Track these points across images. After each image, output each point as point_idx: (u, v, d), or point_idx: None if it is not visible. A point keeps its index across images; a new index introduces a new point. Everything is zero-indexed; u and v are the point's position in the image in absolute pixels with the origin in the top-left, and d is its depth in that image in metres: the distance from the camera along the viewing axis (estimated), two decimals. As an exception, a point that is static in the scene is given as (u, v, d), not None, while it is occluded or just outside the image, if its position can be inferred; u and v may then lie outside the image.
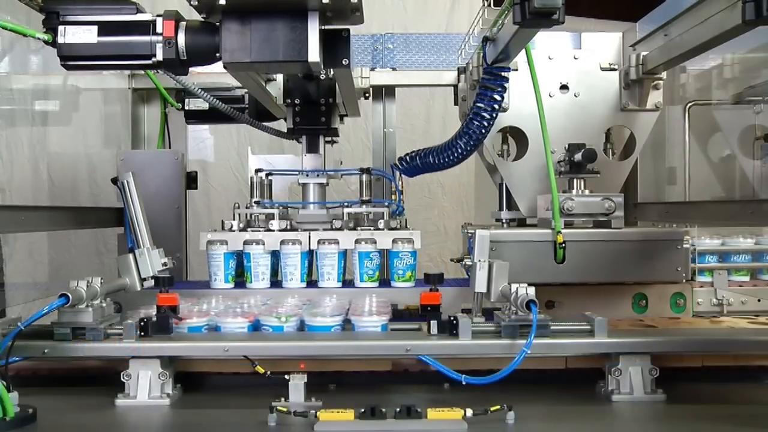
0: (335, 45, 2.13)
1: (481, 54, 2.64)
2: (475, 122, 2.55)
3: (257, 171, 2.86)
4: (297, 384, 1.93)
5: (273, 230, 2.67)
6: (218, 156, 4.71)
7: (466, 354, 2.08)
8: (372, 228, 2.71)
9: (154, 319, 2.11)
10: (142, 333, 2.09)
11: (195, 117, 3.29)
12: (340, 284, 2.64)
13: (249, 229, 2.70)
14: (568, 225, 2.58)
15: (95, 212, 3.19)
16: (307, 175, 2.85)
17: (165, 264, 2.44)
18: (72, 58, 2.10)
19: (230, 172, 4.65)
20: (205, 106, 3.13)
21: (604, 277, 2.57)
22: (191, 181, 3.39)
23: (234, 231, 2.69)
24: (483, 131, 2.56)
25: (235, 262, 2.68)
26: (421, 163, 2.93)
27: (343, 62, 2.15)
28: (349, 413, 1.78)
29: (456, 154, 2.69)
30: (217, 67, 2.13)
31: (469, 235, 2.65)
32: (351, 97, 2.87)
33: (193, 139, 4.38)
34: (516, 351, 1.95)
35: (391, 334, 2.20)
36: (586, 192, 2.65)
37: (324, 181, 2.86)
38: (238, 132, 4.64)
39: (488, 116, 2.53)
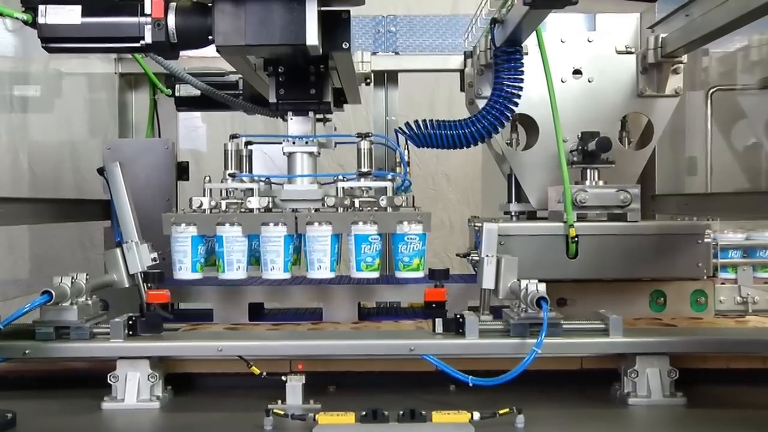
0: (335, 27, 2.13)
1: (489, 37, 2.65)
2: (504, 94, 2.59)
3: (232, 137, 2.50)
4: (294, 385, 1.94)
5: (251, 209, 2.34)
6: (211, 145, 4.71)
7: (473, 354, 2.09)
8: (372, 206, 2.39)
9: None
10: (131, 332, 2.11)
11: (186, 104, 3.29)
12: (333, 274, 2.37)
13: (222, 208, 2.38)
14: (580, 218, 2.58)
15: (80, 205, 3.20)
16: (294, 143, 2.48)
17: (155, 259, 2.44)
18: (54, 40, 2.10)
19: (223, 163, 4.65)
20: (197, 92, 3.13)
21: (619, 273, 2.57)
22: (182, 171, 3.39)
23: (204, 210, 2.37)
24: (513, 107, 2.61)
25: (204, 248, 2.38)
26: (433, 132, 2.73)
27: (343, 46, 2.15)
28: (350, 416, 1.79)
29: (483, 127, 2.67)
30: (210, 50, 2.13)
31: (476, 228, 2.66)
32: (351, 83, 2.86)
33: (185, 127, 4.37)
34: (526, 351, 1.96)
35: (394, 333, 2.21)
36: (600, 183, 2.65)
37: (314, 149, 2.48)
38: (232, 120, 4.64)
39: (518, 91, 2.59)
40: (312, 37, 1.99)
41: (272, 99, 2.47)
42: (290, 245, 2.33)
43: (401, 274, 2.34)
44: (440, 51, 3.39)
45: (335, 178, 2.45)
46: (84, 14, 2.07)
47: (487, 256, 2.22)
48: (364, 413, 1.80)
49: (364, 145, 2.48)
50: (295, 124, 2.50)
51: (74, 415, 2.01)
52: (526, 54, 2.68)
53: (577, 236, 2.50)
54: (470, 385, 1.97)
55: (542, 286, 2.04)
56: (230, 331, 2.34)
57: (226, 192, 2.43)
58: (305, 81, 2.45)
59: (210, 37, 2.04)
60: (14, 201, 2.68)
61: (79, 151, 4.07)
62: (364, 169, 2.46)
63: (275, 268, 2.31)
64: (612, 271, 2.56)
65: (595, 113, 2.81)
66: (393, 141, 2.88)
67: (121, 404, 2.03)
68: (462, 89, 3.15)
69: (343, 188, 2.40)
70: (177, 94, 3.25)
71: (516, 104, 2.64)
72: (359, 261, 2.33)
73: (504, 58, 2.60)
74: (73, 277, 2.14)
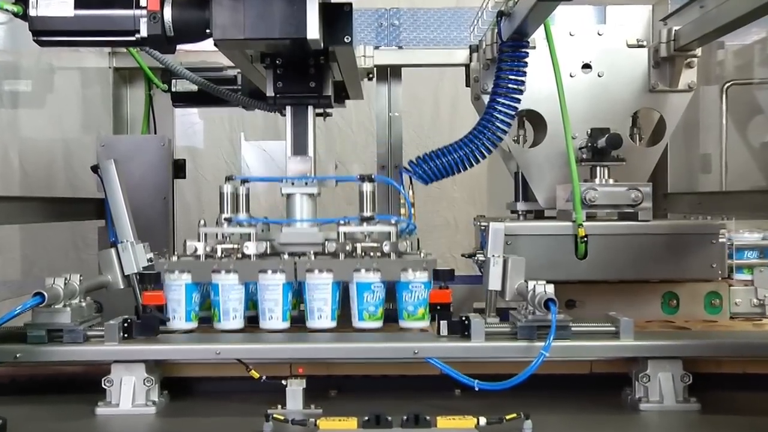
0: (336, 21, 2.14)
1: (496, 30, 2.65)
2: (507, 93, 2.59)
3: (228, 179, 2.44)
4: (295, 390, 1.94)
5: (249, 255, 2.29)
6: (209, 142, 4.71)
7: (479, 357, 2.10)
8: (375, 252, 2.31)
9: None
10: (126, 335, 2.11)
11: (183, 99, 3.30)
12: (334, 323, 2.27)
13: (218, 254, 2.30)
14: (590, 217, 2.58)
15: (73, 203, 3.21)
16: (293, 183, 2.46)
17: (150, 260, 2.45)
18: (46, 33, 2.10)
19: (222, 160, 4.65)
20: (194, 87, 3.14)
21: (630, 274, 2.58)
22: (179, 169, 3.40)
23: (199, 256, 2.30)
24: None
25: (199, 295, 2.31)
26: (440, 162, 2.69)
27: (345, 40, 2.15)
28: (352, 421, 1.79)
29: (496, 129, 2.65)
30: (208, 44, 2.14)
31: (482, 228, 2.66)
32: (353, 78, 2.86)
33: (181, 123, 4.39)
34: (533, 354, 1.96)
35: (397, 336, 2.21)
36: (611, 181, 2.66)
37: (314, 190, 2.45)
38: (230, 116, 4.65)
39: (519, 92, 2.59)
40: (313, 30, 1.99)
41: (270, 92, 2.44)
42: (289, 293, 2.28)
43: (405, 324, 2.27)
44: (445, 45, 3.40)
45: (337, 223, 2.38)
46: (77, 6, 2.07)
47: (493, 256, 2.23)
48: (366, 418, 1.80)
49: (367, 187, 2.43)
50: (294, 164, 2.48)
51: (67, 420, 2.01)
52: (534, 48, 2.69)
53: (586, 236, 2.51)
54: (476, 389, 1.98)
55: (550, 288, 2.05)
56: (229, 333, 2.34)
57: (222, 236, 2.38)
58: (304, 73, 2.41)
59: (208, 31, 2.05)
60: (4, 200, 2.69)
61: (71, 148, 4.08)
62: (367, 214, 2.41)
63: (273, 318, 2.25)
64: (622, 272, 2.57)
65: (605, 109, 2.81)
66: (395, 181, 2.81)
67: (115, 409, 2.03)
68: (467, 84, 3.17)
69: (344, 233, 2.35)
70: (173, 89, 3.26)
71: (518, 103, 2.62)
72: (361, 310, 2.27)
73: (507, 54, 2.58)
74: (66, 278, 2.14)
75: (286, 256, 2.34)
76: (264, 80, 2.58)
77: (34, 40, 2.12)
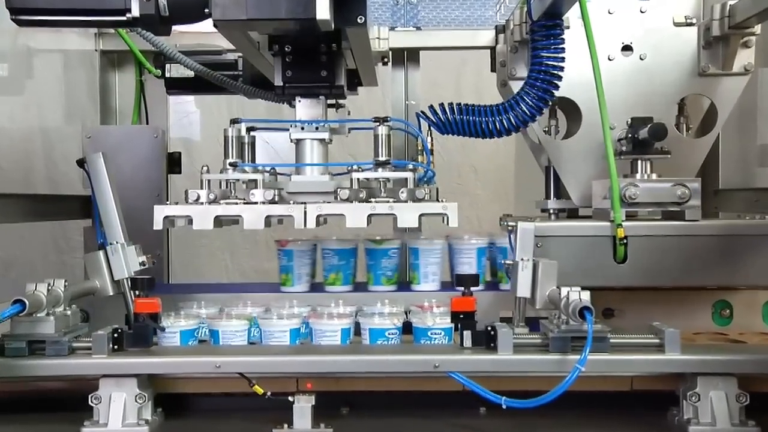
0: (348, -1, 2.15)
1: (525, 9, 2.66)
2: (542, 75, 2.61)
3: (233, 122, 2.55)
4: (303, 407, 1.96)
5: (255, 202, 2.37)
6: (206, 133, 4.75)
7: (507, 371, 2.11)
8: (391, 199, 2.41)
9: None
10: (116, 346, 2.13)
11: (178, 86, 3.31)
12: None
13: (223, 201, 2.40)
14: (630, 216, 2.59)
15: (54, 201, 3.23)
16: (303, 128, 2.52)
17: (143, 263, 2.48)
18: (25, 11, 2.10)
19: (220, 153, 4.65)
20: (190, 72, 3.15)
21: (676, 280, 2.57)
22: (174, 163, 3.43)
23: (202, 203, 2.38)
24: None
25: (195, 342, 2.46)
26: (461, 118, 2.76)
27: (358, 20, 2.16)
28: (365, 442, 1.82)
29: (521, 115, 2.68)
30: (206, 25, 2.15)
31: (509, 228, 2.67)
32: (367, 63, 2.87)
33: (176, 112, 4.42)
34: (567, 369, 1.97)
35: (416, 348, 2.22)
36: (654, 176, 2.66)
37: (326, 135, 2.52)
38: (229, 105, 4.67)
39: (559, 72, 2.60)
40: (323, 10, 2.00)
41: (278, 82, 2.48)
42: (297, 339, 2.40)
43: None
44: (468, 25, 3.40)
45: (349, 167, 2.47)
46: (60, -19, 2.09)
47: (521, 260, 2.24)
48: (381, 439, 1.82)
49: (382, 130, 2.50)
50: (304, 108, 2.53)
51: (50, 442, 2.04)
52: (568, 28, 2.69)
53: (626, 237, 2.51)
54: (503, 407, 1.99)
55: (586, 295, 2.06)
56: (229, 346, 2.36)
57: (227, 183, 2.45)
58: (315, 61, 2.45)
59: (206, 10, 2.06)
60: (-24, 197, 2.71)
61: (52, 139, 4.11)
62: (382, 158, 2.46)
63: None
64: (667, 277, 2.56)
65: (647, 96, 2.81)
66: (414, 126, 2.90)
67: (103, 429, 2.05)
68: (493, 69, 3.17)
69: (358, 179, 2.41)
70: (167, 75, 3.26)
71: (557, 86, 2.65)
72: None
73: (542, 33, 2.60)
74: (49, 284, 2.15)
75: (295, 204, 2.39)
76: (268, 66, 2.62)
77: (12, 20, 2.11)
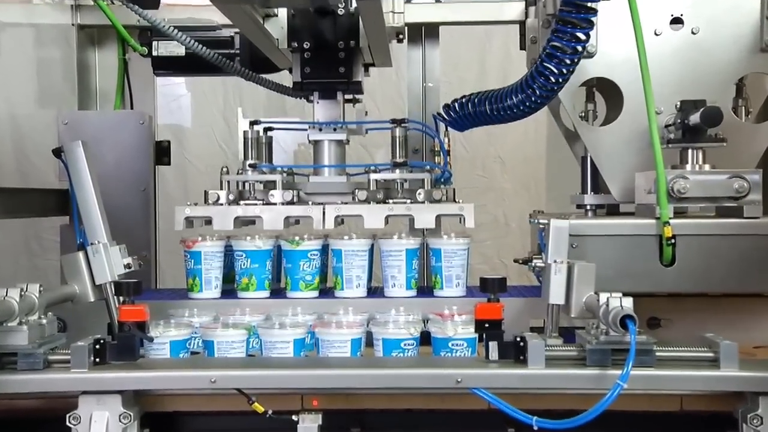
0: (359, -32, 2.17)
1: (559, -24, 2.65)
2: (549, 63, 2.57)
3: (252, 123, 2.91)
4: (308, 427, 1.97)
5: (275, 203, 2.75)
6: (198, 120, 4.76)
7: (538, 388, 2.11)
8: (408, 200, 2.79)
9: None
10: (98, 359, 2.14)
11: (166, 66, 3.33)
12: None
13: (242, 202, 2.78)
14: (679, 213, 2.58)
15: (25, 196, 3.23)
16: (321, 129, 2.91)
17: (128, 265, 2.48)
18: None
19: (214, 142, 4.71)
20: (181, 51, 3.16)
21: (731, 286, 2.57)
22: (162, 153, 3.44)
23: (222, 204, 2.78)
24: (560, 79, 2.58)
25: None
26: (474, 111, 2.88)
27: (370, -10, 2.19)
28: (379, 467, 1.82)
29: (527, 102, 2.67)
30: (198, -4, 2.16)
31: (541, 227, 2.67)
32: (380, 40, 2.88)
33: (164, 96, 4.43)
34: (608, 385, 1.96)
35: (435, 361, 2.23)
36: (706, 167, 2.65)
37: (343, 137, 2.92)
38: (224, 87, 4.69)
39: (568, 60, 2.55)
40: (331, -21, 2.03)
41: (296, 78, 2.84)
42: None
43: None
44: (494, -3, 3.40)
45: (367, 168, 2.85)
46: (34, -52, 2.10)
47: (555, 262, 2.23)
48: (397, 463, 1.82)
49: (399, 132, 2.88)
50: (322, 109, 2.93)
51: (25, 466, 2.05)
52: (606, 0, 2.69)
53: (673, 237, 2.51)
54: (535, 428, 1.99)
55: (628, 302, 2.05)
56: (225, 359, 2.37)
57: (243, 184, 2.81)
58: (333, 58, 2.82)
59: (199, -21, 2.08)
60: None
61: (22, 127, 4.12)
62: (399, 159, 2.85)
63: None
64: (721, 282, 2.56)
65: (699, 75, 2.80)
66: (431, 127, 3.16)
67: (84, 452, 2.06)
68: (522, 47, 3.17)
69: (375, 180, 2.77)
70: (155, 53, 3.28)
71: (580, 53, 2.56)
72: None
73: (562, 14, 2.53)
74: (22, 290, 2.15)
75: (313, 205, 2.75)
76: (270, 45, 2.76)
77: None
